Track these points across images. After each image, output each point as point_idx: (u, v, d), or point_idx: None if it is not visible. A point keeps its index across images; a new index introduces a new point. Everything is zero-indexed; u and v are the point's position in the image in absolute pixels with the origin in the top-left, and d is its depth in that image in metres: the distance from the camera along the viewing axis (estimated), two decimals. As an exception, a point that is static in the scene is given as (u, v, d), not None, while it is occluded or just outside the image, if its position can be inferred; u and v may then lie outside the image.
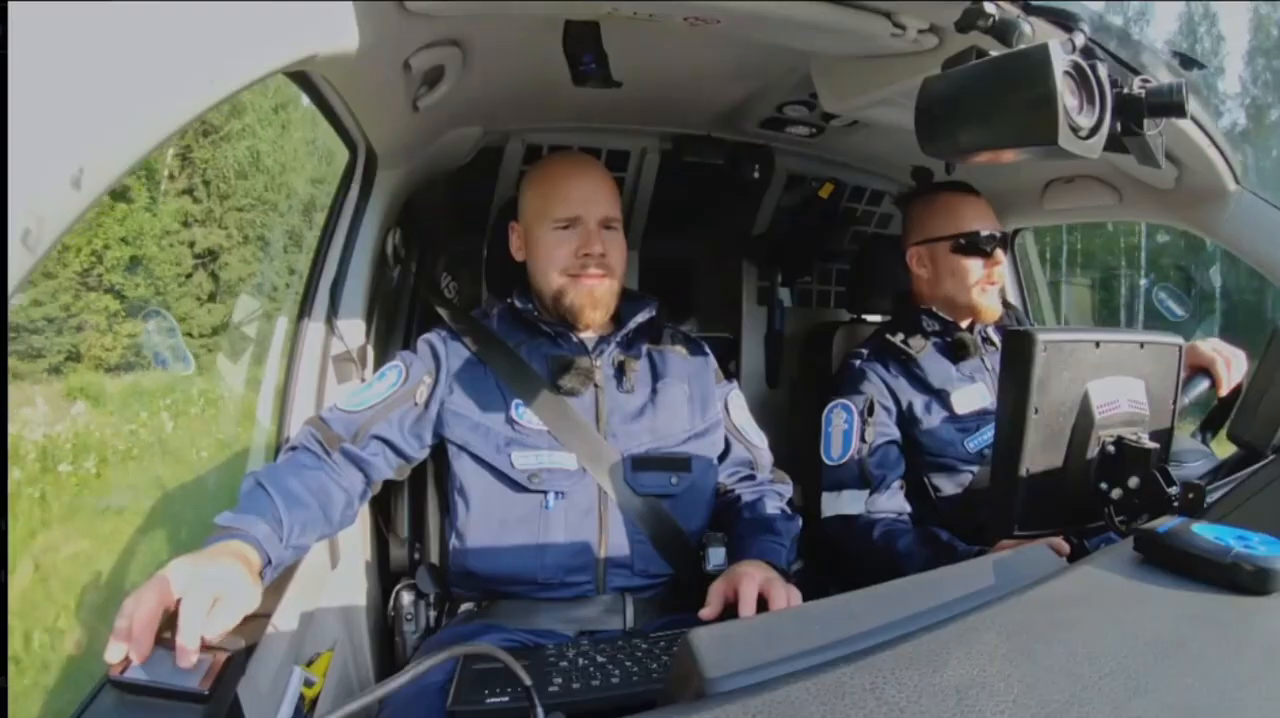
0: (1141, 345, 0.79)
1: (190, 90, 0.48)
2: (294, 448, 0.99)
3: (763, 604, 0.88)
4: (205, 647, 0.65)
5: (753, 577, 0.90)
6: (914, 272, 1.35)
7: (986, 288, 1.29)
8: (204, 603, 0.65)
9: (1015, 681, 0.42)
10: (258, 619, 0.76)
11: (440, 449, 1.07)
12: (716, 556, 1.02)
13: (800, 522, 1.12)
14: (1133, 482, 0.74)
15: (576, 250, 1.06)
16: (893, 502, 1.25)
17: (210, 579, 0.68)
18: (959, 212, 1.30)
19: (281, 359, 1.24)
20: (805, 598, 0.89)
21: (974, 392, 1.29)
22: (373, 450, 1.01)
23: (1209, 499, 0.71)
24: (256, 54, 0.55)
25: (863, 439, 1.26)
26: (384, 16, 0.73)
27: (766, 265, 1.72)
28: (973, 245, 1.27)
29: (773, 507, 1.11)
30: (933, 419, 1.28)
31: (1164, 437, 0.80)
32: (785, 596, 0.88)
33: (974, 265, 1.28)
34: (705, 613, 0.92)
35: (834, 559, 1.50)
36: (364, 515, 1.16)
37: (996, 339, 1.34)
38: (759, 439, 1.18)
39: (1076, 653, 0.46)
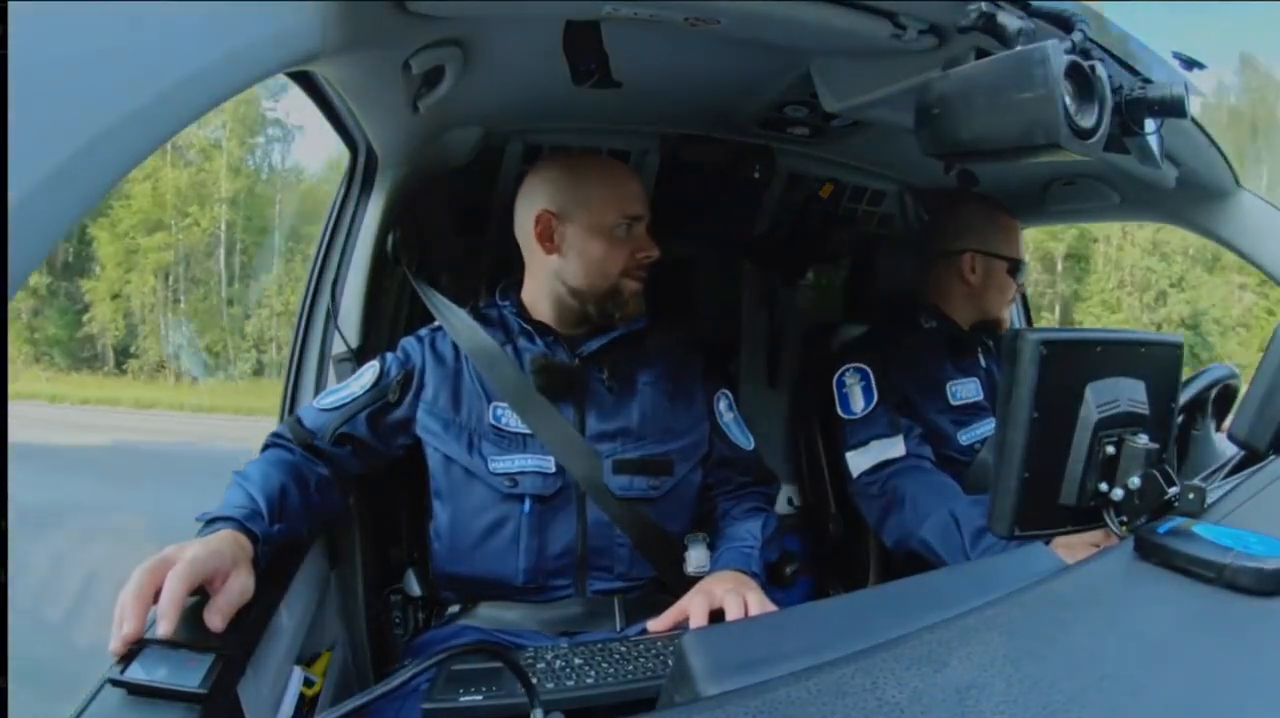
0: (1141, 345, 0.79)
1: (191, 90, 0.48)
2: (267, 446, 1.01)
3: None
4: (206, 646, 0.65)
5: (709, 593, 0.91)
6: (962, 274, 1.37)
7: (1011, 306, 1.45)
8: (187, 573, 0.67)
9: (1015, 681, 0.42)
10: (258, 619, 0.76)
11: (423, 450, 1.07)
12: (696, 558, 1.02)
13: (775, 519, 1.12)
14: (1133, 482, 0.74)
15: (636, 251, 1.07)
16: (924, 448, 1.25)
17: (200, 559, 0.70)
18: (1017, 237, 1.42)
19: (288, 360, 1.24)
20: (805, 598, 0.89)
21: (968, 385, 1.32)
22: (341, 447, 1.02)
23: (1209, 499, 0.71)
24: (257, 54, 0.55)
25: (882, 394, 1.27)
26: (384, 17, 0.73)
27: (766, 265, 1.72)
28: (1019, 270, 1.40)
29: (744, 510, 1.10)
30: (927, 410, 1.29)
31: (1164, 437, 0.80)
32: (740, 607, 0.88)
33: (1013, 286, 1.40)
34: (652, 624, 0.93)
35: (836, 559, 1.50)
36: (362, 516, 1.16)
37: (988, 341, 1.40)
38: (745, 441, 1.16)
39: (1076, 653, 0.46)
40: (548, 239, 1.07)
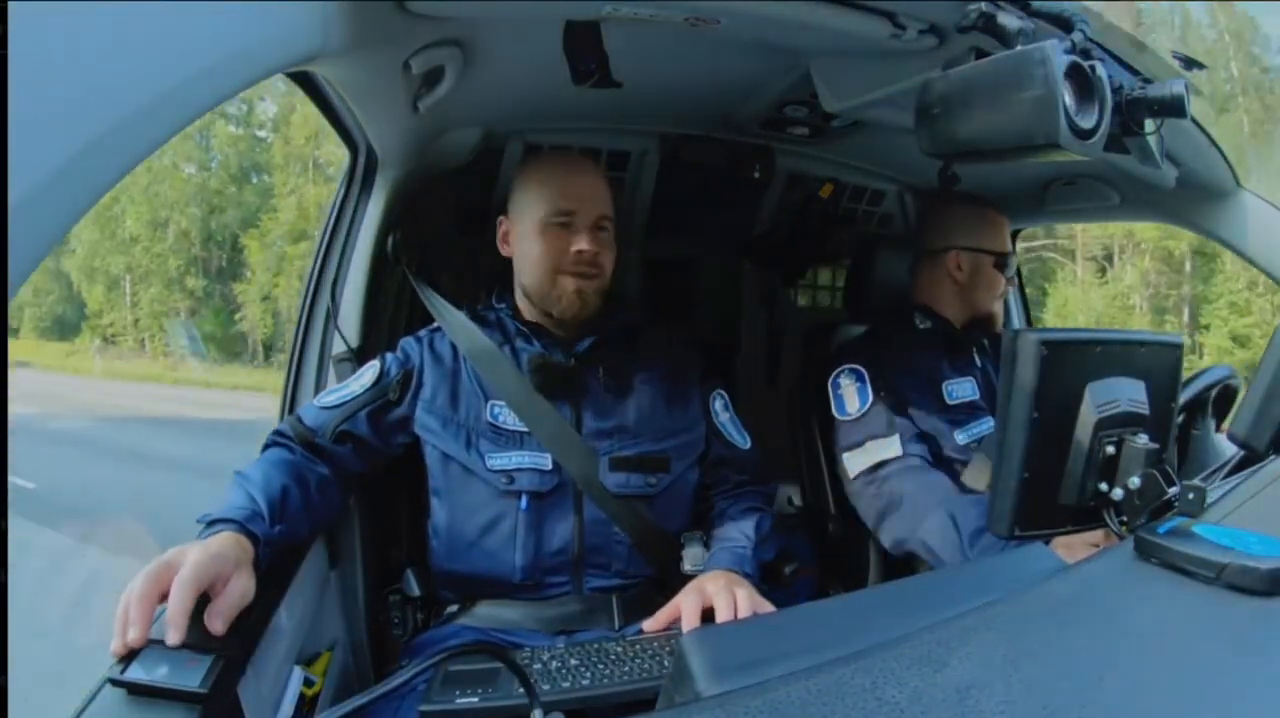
0: (1142, 345, 0.79)
1: (192, 90, 0.48)
2: (268, 445, 1.01)
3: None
4: (206, 647, 0.65)
5: (700, 591, 0.91)
6: (949, 272, 1.38)
7: (1002, 300, 1.43)
8: (192, 578, 0.68)
9: (1015, 681, 0.42)
10: (258, 620, 0.76)
11: (421, 449, 1.07)
12: (693, 556, 1.02)
13: (771, 518, 1.12)
14: (1133, 482, 0.74)
15: (568, 248, 1.04)
16: (920, 448, 1.24)
17: (203, 564, 0.70)
18: (1003, 232, 1.42)
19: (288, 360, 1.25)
20: (806, 598, 0.89)
21: (964, 385, 1.31)
22: (341, 445, 1.03)
23: (1209, 499, 0.71)
24: (257, 54, 0.55)
25: (878, 394, 1.27)
26: (384, 17, 0.73)
27: (766, 265, 1.72)
28: (1006, 264, 1.39)
29: (740, 509, 1.10)
30: (923, 409, 1.29)
31: (1164, 437, 0.80)
32: (730, 605, 0.88)
33: (1001, 280, 1.39)
34: (647, 625, 0.93)
35: (836, 559, 1.50)
36: (362, 516, 1.16)
37: (983, 341, 1.40)
38: (742, 441, 1.16)
39: (1076, 653, 0.46)
40: (504, 242, 1.11)
